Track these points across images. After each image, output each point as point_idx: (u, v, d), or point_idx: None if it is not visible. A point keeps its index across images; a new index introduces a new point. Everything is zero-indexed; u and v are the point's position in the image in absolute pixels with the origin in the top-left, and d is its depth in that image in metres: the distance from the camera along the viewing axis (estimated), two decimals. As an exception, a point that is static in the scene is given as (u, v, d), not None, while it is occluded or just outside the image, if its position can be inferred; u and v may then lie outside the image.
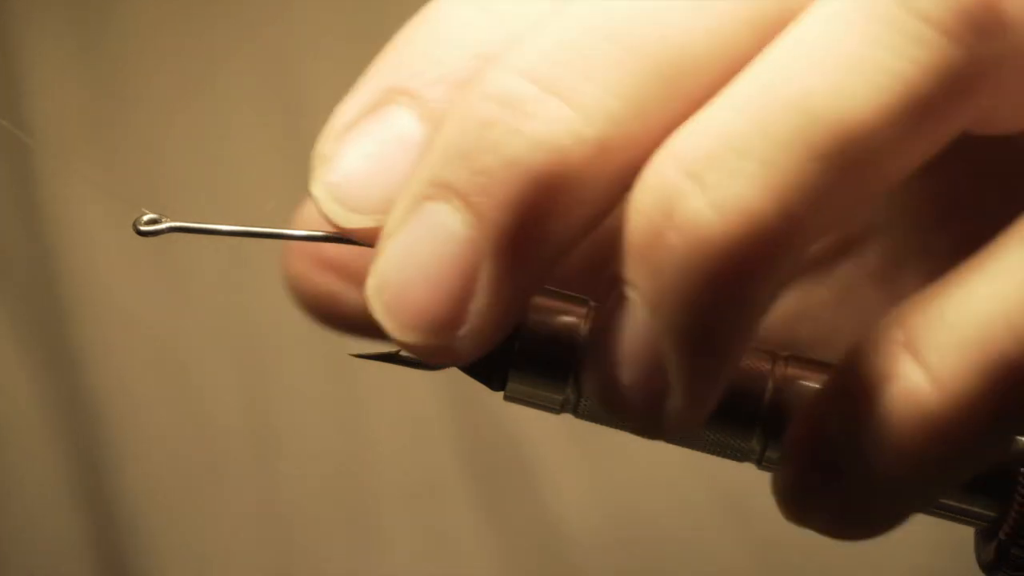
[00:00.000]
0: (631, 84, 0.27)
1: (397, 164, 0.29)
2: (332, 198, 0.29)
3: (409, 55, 0.29)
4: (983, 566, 0.32)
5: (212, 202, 0.70)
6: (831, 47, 0.27)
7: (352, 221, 0.29)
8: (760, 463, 0.31)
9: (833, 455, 0.29)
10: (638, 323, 0.28)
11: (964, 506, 0.31)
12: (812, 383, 0.31)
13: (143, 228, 0.31)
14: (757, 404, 0.31)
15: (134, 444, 0.72)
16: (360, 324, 0.29)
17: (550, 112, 0.27)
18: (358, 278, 0.29)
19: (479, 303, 0.28)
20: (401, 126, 0.29)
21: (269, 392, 0.73)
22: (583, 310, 0.31)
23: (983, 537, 0.32)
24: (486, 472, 0.72)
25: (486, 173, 0.27)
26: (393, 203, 0.28)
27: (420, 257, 0.28)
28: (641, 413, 0.28)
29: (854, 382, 0.28)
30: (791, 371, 0.31)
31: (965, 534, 0.33)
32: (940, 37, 0.27)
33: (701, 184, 0.27)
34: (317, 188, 0.29)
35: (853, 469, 0.28)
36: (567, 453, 0.69)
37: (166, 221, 0.31)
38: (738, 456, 0.31)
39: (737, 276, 0.27)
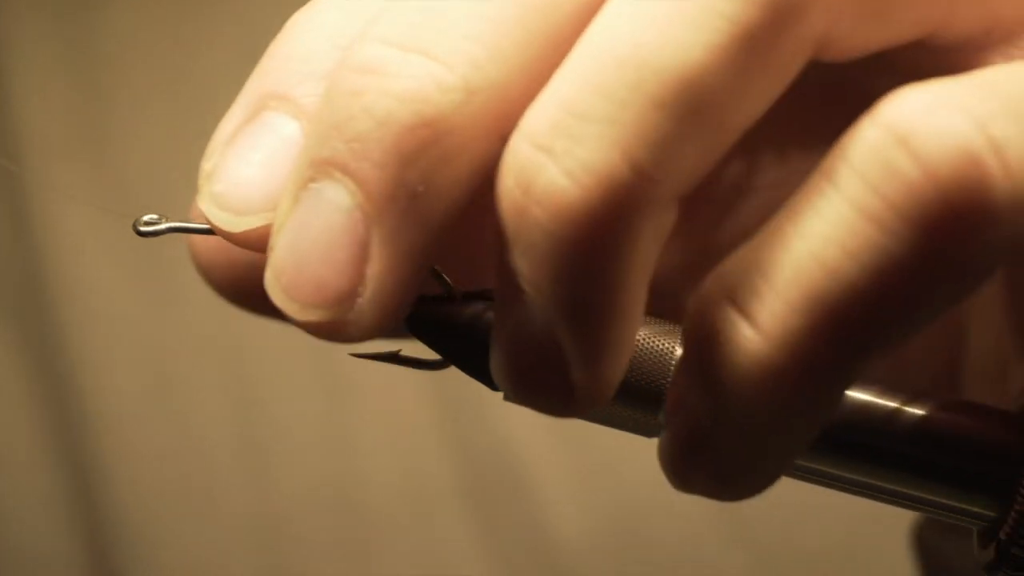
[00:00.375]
0: (489, 31, 0.27)
1: (279, 164, 0.29)
2: (219, 207, 0.29)
3: (277, 62, 0.29)
4: (983, 566, 0.32)
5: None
6: None
7: (242, 224, 0.29)
8: None
9: (696, 419, 0.29)
10: (525, 303, 0.28)
11: (963, 506, 0.31)
12: None
13: (142, 228, 0.31)
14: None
15: (124, 456, 0.72)
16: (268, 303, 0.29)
17: (413, 68, 0.27)
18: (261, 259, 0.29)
19: (375, 267, 0.28)
20: (278, 128, 0.29)
21: (259, 403, 0.73)
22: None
23: (983, 537, 0.32)
24: (478, 481, 0.72)
25: (360, 138, 0.27)
26: (347, 291, 0.28)
27: (311, 236, 0.28)
28: (548, 393, 0.29)
29: (695, 345, 0.28)
30: None
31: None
32: None
33: (552, 154, 0.27)
34: (204, 201, 0.29)
35: (715, 430, 0.29)
36: (559, 461, 0.69)
37: (165, 221, 0.31)
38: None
39: (603, 238, 0.27)
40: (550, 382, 0.29)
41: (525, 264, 0.28)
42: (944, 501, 0.31)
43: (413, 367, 0.31)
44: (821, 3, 0.27)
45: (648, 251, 0.28)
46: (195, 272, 0.72)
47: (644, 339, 0.31)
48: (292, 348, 0.71)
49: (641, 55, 0.26)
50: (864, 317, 0.27)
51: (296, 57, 0.29)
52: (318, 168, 0.28)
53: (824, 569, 0.70)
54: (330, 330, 0.29)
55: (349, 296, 0.28)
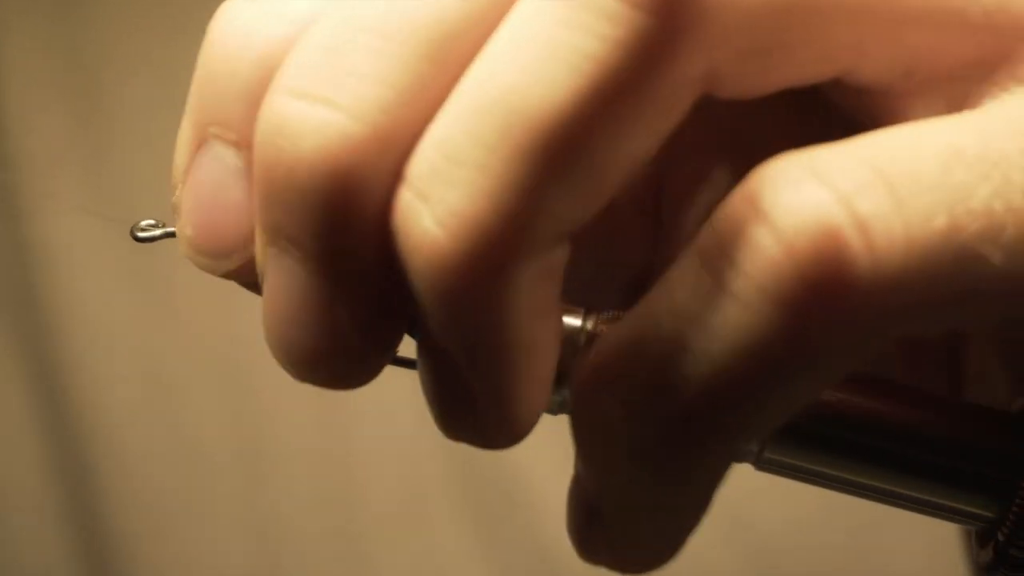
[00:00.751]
0: (393, 70, 0.27)
1: (233, 198, 0.29)
2: (197, 253, 0.30)
3: (207, 81, 0.29)
4: (981, 567, 0.32)
5: None
6: (527, 35, 0.26)
7: (222, 267, 0.30)
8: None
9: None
10: (434, 347, 0.29)
11: (962, 507, 0.31)
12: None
13: (140, 234, 0.31)
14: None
15: (121, 464, 0.72)
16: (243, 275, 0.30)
17: (320, 123, 0.27)
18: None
19: (344, 321, 0.29)
20: (223, 158, 0.29)
21: (256, 411, 0.73)
22: (581, 317, 0.31)
23: (981, 538, 0.32)
24: (475, 490, 0.72)
25: (292, 212, 0.28)
26: (245, 236, 0.29)
27: (279, 304, 0.29)
28: (468, 432, 0.30)
29: (584, 433, 0.29)
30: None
31: (960, 540, 0.33)
32: (626, 9, 0.26)
33: (427, 201, 0.27)
34: (182, 247, 0.30)
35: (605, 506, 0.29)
36: (557, 469, 0.69)
37: (162, 227, 0.31)
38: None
39: (476, 287, 0.27)
40: (467, 423, 0.29)
41: (423, 313, 0.28)
42: (942, 502, 0.31)
43: (407, 367, 0.31)
44: (696, 44, 0.26)
45: (536, 290, 0.27)
46: (192, 279, 0.72)
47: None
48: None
49: (511, 99, 0.26)
50: (725, 399, 0.26)
51: (223, 73, 0.29)
52: (272, 237, 0.28)
53: (826, 571, 0.70)
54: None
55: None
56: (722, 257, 0.26)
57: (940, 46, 0.28)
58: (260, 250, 0.29)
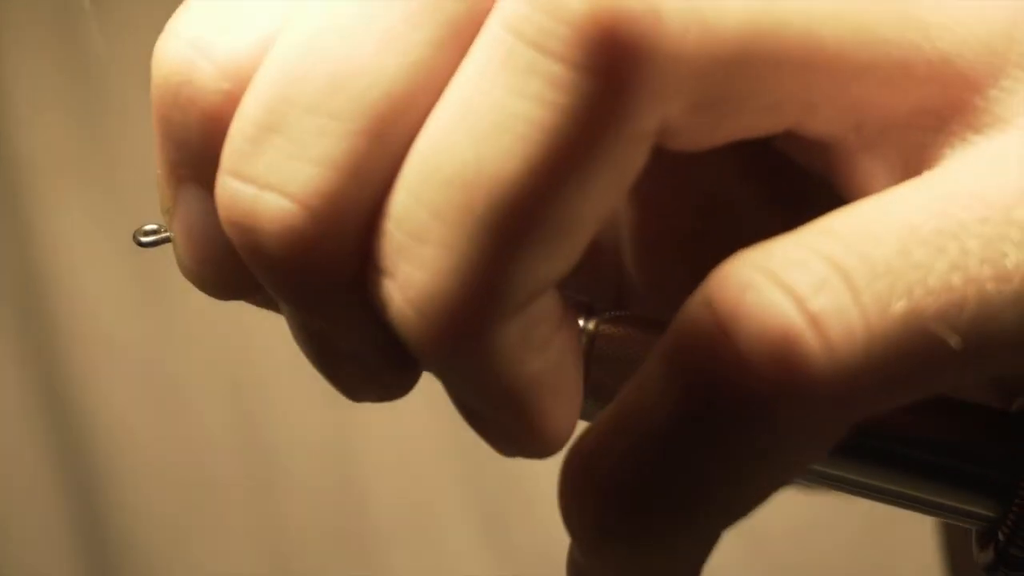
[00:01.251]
0: (341, 151, 0.27)
1: (214, 238, 0.30)
2: (200, 283, 0.31)
3: (166, 126, 0.29)
4: (982, 567, 0.32)
5: None
6: (475, 104, 0.26)
7: (223, 297, 0.31)
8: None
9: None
10: (451, 393, 0.30)
11: (963, 506, 0.31)
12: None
13: (142, 239, 0.32)
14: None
15: (127, 469, 0.72)
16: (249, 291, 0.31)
17: (274, 212, 0.27)
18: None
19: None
20: (202, 201, 0.30)
21: (264, 414, 0.73)
22: (583, 317, 0.31)
23: (982, 538, 0.32)
24: (484, 491, 0.72)
25: (272, 283, 0.28)
26: (242, 271, 0.29)
27: (300, 338, 0.31)
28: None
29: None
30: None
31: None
32: (571, 73, 0.25)
33: (395, 279, 0.27)
34: (184, 274, 0.31)
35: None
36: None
37: (164, 232, 0.32)
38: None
39: (454, 359, 0.28)
40: (511, 447, 0.30)
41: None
42: (943, 502, 0.31)
43: None
44: (644, 101, 0.26)
45: (525, 336, 0.28)
46: (188, 287, 0.72)
47: (625, 339, 0.31)
48: (297, 358, 0.71)
49: (465, 174, 0.26)
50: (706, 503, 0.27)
51: (179, 123, 0.29)
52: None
53: (830, 571, 0.70)
54: None
55: None
56: (685, 362, 0.26)
57: (888, 99, 0.28)
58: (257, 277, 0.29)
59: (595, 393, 0.31)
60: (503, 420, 0.29)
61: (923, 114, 0.28)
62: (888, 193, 0.28)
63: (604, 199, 0.27)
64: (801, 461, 0.27)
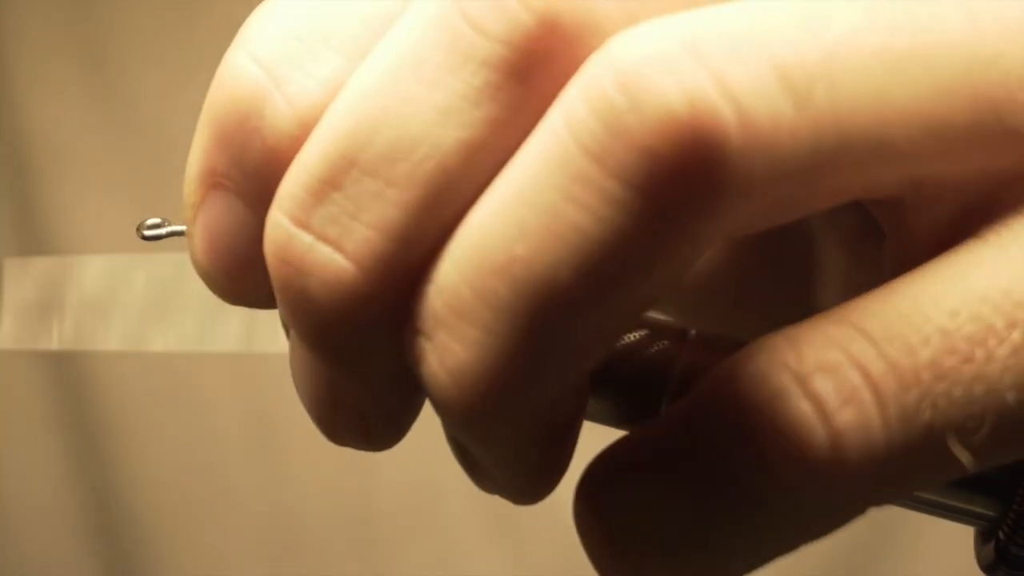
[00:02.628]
0: (396, 218, 0.27)
1: (247, 252, 0.30)
2: (213, 286, 0.31)
3: (222, 135, 0.29)
4: (982, 566, 0.32)
5: None
6: (529, 199, 0.26)
7: (231, 302, 0.31)
8: None
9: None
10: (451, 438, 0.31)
11: (964, 505, 0.31)
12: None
13: (146, 233, 0.32)
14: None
15: (138, 462, 0.72)
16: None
17: (326, 266, 0.28)
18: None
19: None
20: (236, 212, 0.30)
21: (271, 407, 0.73)
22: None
23: (982, 537, 0.32)
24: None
25: (307, 328, 0.29)
26: (260, 286, 0.30)
27: (306, 391, 0.31)
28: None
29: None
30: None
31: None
32: (627, 193, 0.25)
33: (432, 345, 0.27)
34: (199, 274, 0.31)
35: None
36: (577, 465, 0.69)
37: (168, 225, 0.32)
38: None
39: (475, 425, 0.28)
40: (492, 490, 0.31)
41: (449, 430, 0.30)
42: (944, 501, 0.31)
43: None
44: (701, 229, 0.26)
45: (540, 415, 0.29)
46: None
47: (643, 342, 0.31)
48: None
49: (513, 269, 0.26)
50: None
51: (237, 142, 0.29)
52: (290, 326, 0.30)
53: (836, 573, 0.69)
54: None
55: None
56: (708, 444, 0.27)
57: (953, 171, 0.28)
58: (282, 318, 0.30)
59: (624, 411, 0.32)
60: (504, 477, 0.30)
61: (985, 177, 0.28)
62: (926, 281, 0.28)
63: (651, 295, 0.27)
64: (801, 536, 0.28)
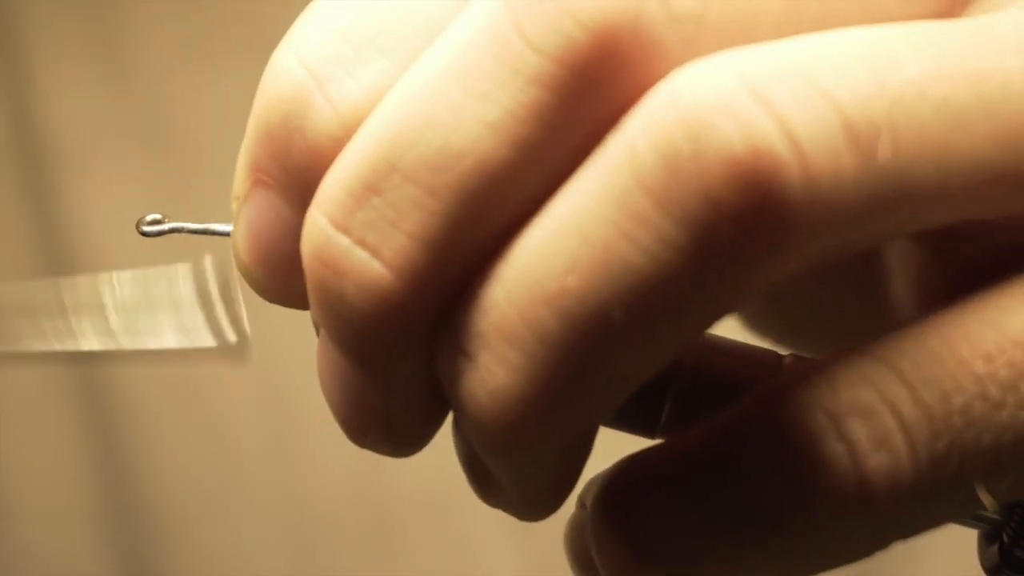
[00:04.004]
0: (436, 231, 0.27)
1: (288, 249, 0.30)
2: (251, 281, 0.31)
3: (267, 134, 0.29)
4: (986, 569, 0.32)
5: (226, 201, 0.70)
6: (583, 232, 0.26)
7: (268, 299, 0.31)
8: None
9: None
10: (464, 447, 0.31)
11: (967, 508, 0.31)
12: None
13: (146, 228, 0.32)
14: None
15: (153, 458, 0.72)
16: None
17: (364, 271, 0.27)
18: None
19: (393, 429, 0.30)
20: (278, 210, 0.30)
21: (288, 403, 0.73)
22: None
23: (986, 540, 0.32)
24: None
25: (341, 330, 0.28)
26: (299, 285, 0.29)
27: (329, 384, 0.30)
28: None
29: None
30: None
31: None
32: (684, 236, 0.25)
33: (474, 365, 0.27)
34: (238, 268, 0.31)
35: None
36: (596, 467, 0.69)
37: (168, 222, 0.32)
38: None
39: (510, 450, 0.28)
40: (498, 503, 0.31)
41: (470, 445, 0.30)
42: None
43: None
44: (753, 278, 0.26)
45: (572, 442, 0.29)
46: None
47: None
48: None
49: (562, 302, 0.26)
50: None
51: (281, 140, 0.29)
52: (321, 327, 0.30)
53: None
54: None
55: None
56: (748, 480, 0.27)
57: (1000, 209, 0.28)
58: (314, 318, 0.30)
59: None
60: (519, 494, 0.30)
61: None
62: (963, 322, 0.27)
63: (698, 332, 0.27)
64: (824, 564, 0.28)
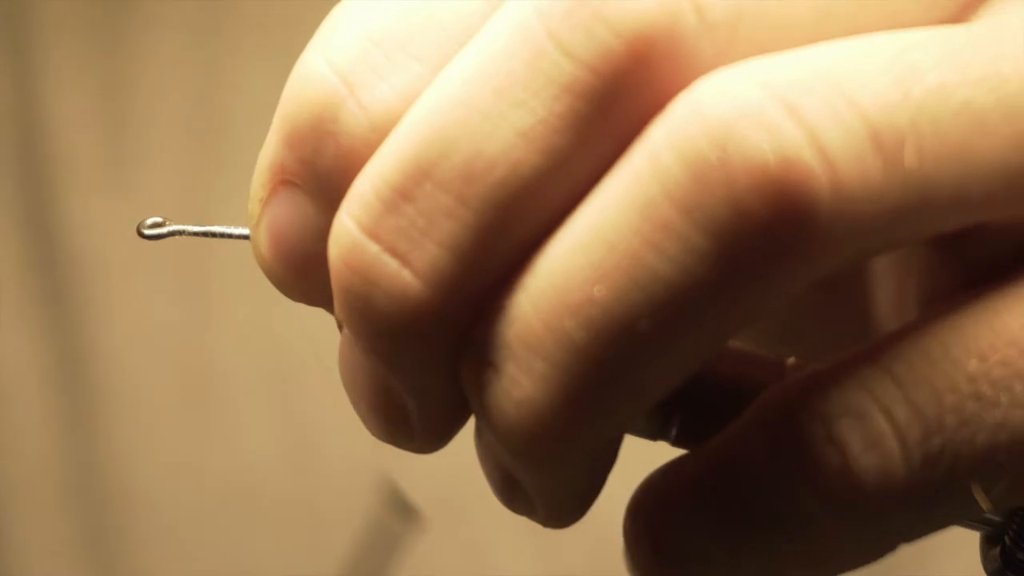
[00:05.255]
0: (466, 240, 0.27)
1: (313, 249, 0.30)
2: (276, 280, 0.31)
3: (297, 136, 0.29)
4: (988, 572, 0.32)
5: (227, 206, 0.70)
6: (607, 240, 0.26)
7: (293, 297, 0.31)
8: None
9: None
10: (488, 452, 0.30)
11: (968, 510, 0.31)
12: None
13: (146, 231, 0.32)
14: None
15: (159, 450, 0.72)
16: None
17: (390, 274, 0.27)
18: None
19: (415, 425, 0.30)
20: (304, 210, 0.30)
21: (297, 400, 0.73)
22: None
23: (988, 542, 0.32)
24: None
25: (367, 332, 0.28)
26: (323, 282, 0.29)
27: (348, 372, 0.30)
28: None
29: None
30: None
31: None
32: (711, 245, 0.25)
33: (500, 375, 0.27)
34: (260, 265, 0.31)
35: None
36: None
37: (169, 224, 0.32)
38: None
39: (535, 459, 0.28)
40: (524, 511, 0.31)
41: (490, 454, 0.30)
42: None
43: None
44: (779, 284, 0.26)
45: (599, 451, 0.29)
46: (228, 269, 0.72)
47: None
48: (331, 339, 0.71)
49: (588, 311, 0.26)
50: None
51: (311, 141, 0.29)
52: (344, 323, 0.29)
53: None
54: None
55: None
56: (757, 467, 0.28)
57: (1014, 213, 0.28)
58: (338, 317, 0.30)
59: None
60: (546, 503, 0.30)
61: None
62: (958, 324, 0.27)
63: (722, 341, 0.28)
64: (833, 567, 0.29)
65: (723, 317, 0.26)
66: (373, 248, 0.27)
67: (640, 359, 0.27)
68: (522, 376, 0.27)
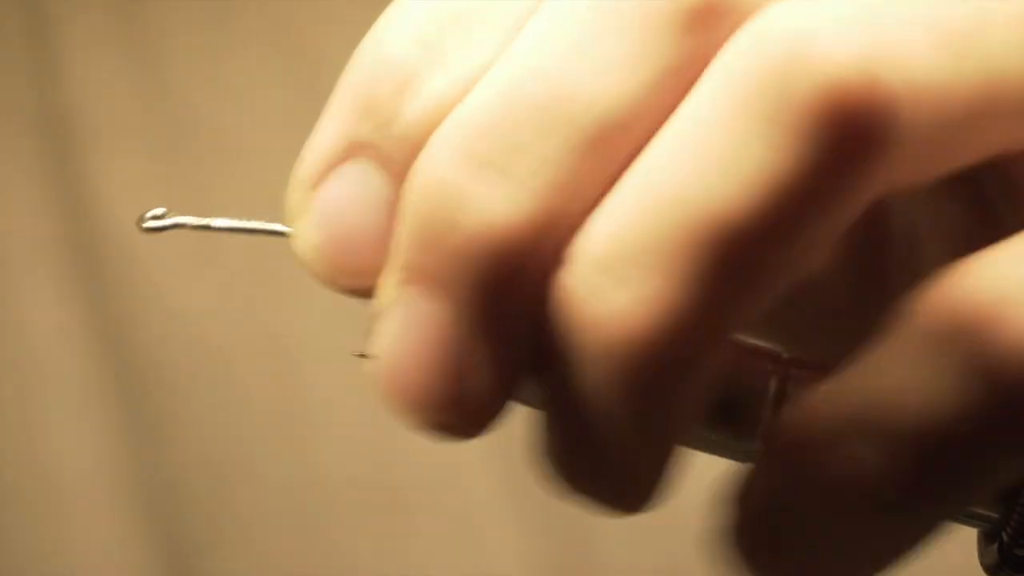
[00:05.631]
0: (563, 153, 0.28)
1: (374, 225, 0.30)
2: (317, 265, 0.30)
3: (370, 102, 0.29)
4: (985, 568, 0.32)
5: (250, 193, 0.70)
6: (701, 141, 0.27)
7: (342, 286, 0.30)
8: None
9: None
10: (561, 407, 0.29)
11: (967, 507, 0.31)
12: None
13: (148, 224, 0.32)
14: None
15: (166, 432, 0.73)
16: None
17: (490, 189, 0.28)
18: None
19: (474, 382, 0.29)
20: (370, 184, 0.30)
21: (302, 382, 0.73)
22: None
23: (986, 539, 0.32)
24: (516, 457, 0.72)
25: (449, 269, 0.28)
26: (373, 264, 0.29)
27: (410, 344, 0.29)
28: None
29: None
30: (794, 372, 0.31)
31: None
32: (810, 147, 0.26)
33: (599, 290, 0.27)
34: (301, 254, 0.30)
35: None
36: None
37: (170, 217, 0.32)
38: (741, 457, 0.31)
39: (635, 384, 0.28)
40: (592, 482, 0.30)
41: (574, 378, 0.29)
42: None
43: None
44: (882, 164, 0.27)
45: (701, 381, 0.29)
46: (240, 248, 0.72)
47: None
48: (335, 324, 0.71)
49: (690, 209, 0.27)
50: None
51: (388, 107, 0.29)
52: (411, 274, 0.29)
53: None
54: (437, 429, 0.30)
55: (451, 406, 0.30)
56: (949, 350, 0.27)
57: None
58: (391, 285, 0.29)
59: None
60: (624, 462, 0.29)
61: None
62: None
63: (821, 238, 0.28)
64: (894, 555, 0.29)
65: (816, 213, 0.27)
66: (461, 177, 0.28)
67: (743, 259, 0.27)
68: (628, 289, 0.27)
